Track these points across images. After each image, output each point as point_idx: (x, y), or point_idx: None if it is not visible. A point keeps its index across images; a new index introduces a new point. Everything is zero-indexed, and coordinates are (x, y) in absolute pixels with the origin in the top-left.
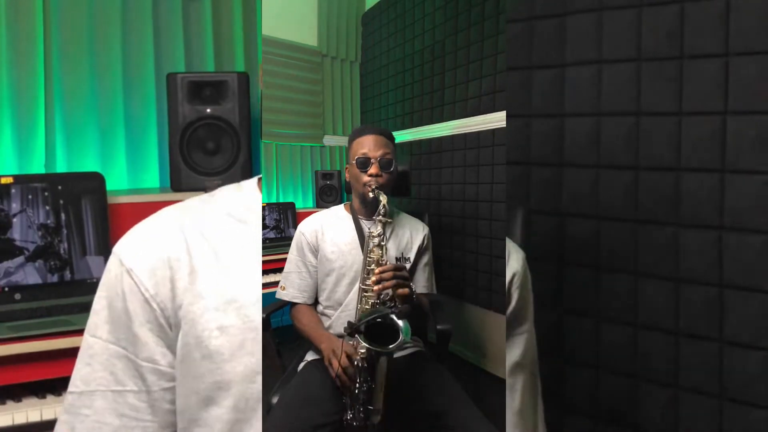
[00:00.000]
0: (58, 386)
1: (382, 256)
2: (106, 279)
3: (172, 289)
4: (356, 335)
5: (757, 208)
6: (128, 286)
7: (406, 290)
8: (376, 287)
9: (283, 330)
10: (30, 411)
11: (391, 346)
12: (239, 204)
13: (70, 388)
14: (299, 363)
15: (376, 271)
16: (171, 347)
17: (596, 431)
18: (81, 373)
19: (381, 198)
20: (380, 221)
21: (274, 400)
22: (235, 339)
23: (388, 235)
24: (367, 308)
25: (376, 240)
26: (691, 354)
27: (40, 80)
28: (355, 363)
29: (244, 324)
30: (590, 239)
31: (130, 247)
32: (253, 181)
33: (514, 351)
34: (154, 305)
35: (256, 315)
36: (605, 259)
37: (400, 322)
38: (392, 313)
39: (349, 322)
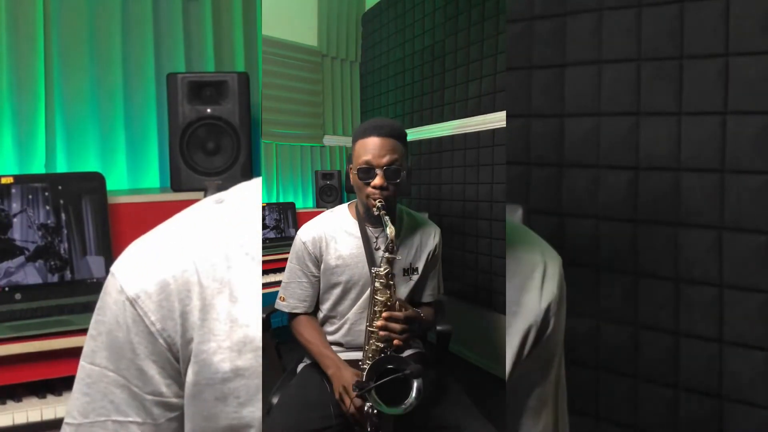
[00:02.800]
0: (58, 386)
1: (390, 297)
2: (104, 302)
3: (182, 323)
4: (366, 394)
5: (757, 208)
6: (131, 316)
7: (405, 337)
8: (381, 333)
9: (283, 330)
10: (30, 411)
11: (402, 407)
12: (250, 216)
13: (67, 419)
14: (299, 363)
15: (384, 315)
16: (176, 378)
17: (596, 431)
18: (78, 404)
19: (388, 231)
20: (387, 259)
21: (274, 400)
22: (253, 383)
23: (393, 266)
24: (374, 349)
25: (384, 280)
26: (691, 354)
27: (40, 80)
28: (366, 409)
29: (260, 366)
30: (590, 239)
31: (133, 273)
32: (257, 181)
33: (545, 386)
34: (161, 340)
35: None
36: (605, 259)
37: (415, 383)
38: (404, 375)
39: (358, 382)
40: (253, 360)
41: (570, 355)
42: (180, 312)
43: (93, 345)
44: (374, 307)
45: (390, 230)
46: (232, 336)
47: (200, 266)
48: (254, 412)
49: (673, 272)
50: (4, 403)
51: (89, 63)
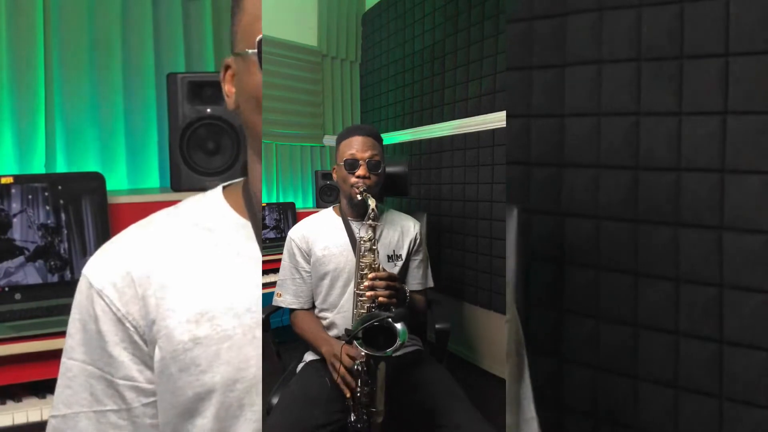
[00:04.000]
0: None
1: (374, 260)
2: (77, 301)
3: (144, 306)
4: (354, 341)
5: (757, 208)
6: (99, 307)
7: (388, 292)
8: (368, 293)
9: (282, 330)
10: (30, 411)
11: (388, 350)
12: (204, 213)
13: (53, 411)
14: (298, 363)
15: (369, 276)
16: (147, 363)
17: (596, 431)
18: (62, 397)
19: (369, 202)
20: (370, 225)
21: (274, 400)
22: (210, 350)
23: (377, 236)
24: (362, 312)
25: (368, 244)
26: (691, 354)
27: (40, 80)
28: (355, 367)
29: (217, 334)
30: (590, 239)
31: (98, 268)
32: (217, 190)
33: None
34: (127, 324)
35: (228, 324)
36: (605, 259)
37: (398, 325)
38: (387, 318)
39: (346, 329)
40: (209, 330)
41: (570, 355)
42: (141, 295)
43: (71, 342)
44: (361, 270)
45: (371, 201)
46: (190, 310)
47: (156, 252)
48: (214, 377)
49: (673, 272)
50: (4, 403)
51: (89, 63)
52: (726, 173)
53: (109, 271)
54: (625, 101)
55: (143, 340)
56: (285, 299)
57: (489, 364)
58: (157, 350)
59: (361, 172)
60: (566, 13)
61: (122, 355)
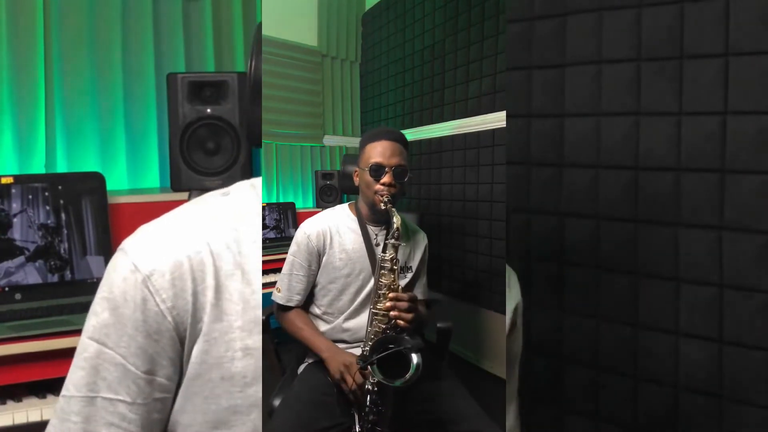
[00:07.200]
0: (58, 386)
1: (394, 281)
2: (112, 279)
3: (194, 302)
4: (370, 368)
5: (757, 208)
6: (141, 294)
7: (410, 316)
8: (392, 313)
9: (282, 331)
10: (30, 411)
11: (398, 381)
12: (254, 207)
13: (63, 391)
14: (299, 364)
15: (390, 296)
16: (174, 361)
17: (596, 431)
18: (74, 377)
19: (395, 219)
20: (393, 245)
21: (276, 402)
22: (258, 363)
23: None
24: (377, 331)
25: (388, 264)
26: (691, 354)
27: (40, 80)
28: (367, 386)
29: (261, 347)
30: (590, 239)
31: (148, 251)
32: (258, 179)
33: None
34: (170, 318)
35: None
36: (605, 259)
37: (413, 356)
38: (406, 349)
39: (362, 354)
40: (259, 341)
41: (570, 355)
42: (192, 291)
43: (95, 321)
44: (378, 290)
45: (397, 218)
46: (244, 316)
47: (214, 248)
48: (257, 392)
49: (673, 272)
50: (4, 403)
51: (89, 63)
52: (726, 173)
53: (158, 257)
54: (625, 101)
55: (180, 338)
56: (284, 295)
57: (489, 365)
58: (196, 351)
59: (386, 179)
60: (566, 13)
61: (151, 348)
